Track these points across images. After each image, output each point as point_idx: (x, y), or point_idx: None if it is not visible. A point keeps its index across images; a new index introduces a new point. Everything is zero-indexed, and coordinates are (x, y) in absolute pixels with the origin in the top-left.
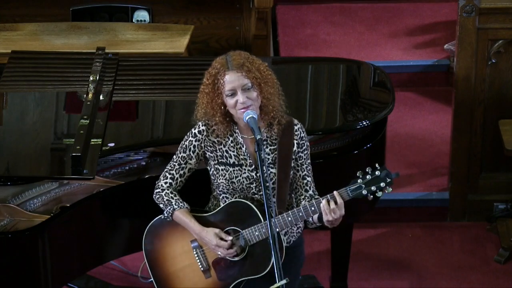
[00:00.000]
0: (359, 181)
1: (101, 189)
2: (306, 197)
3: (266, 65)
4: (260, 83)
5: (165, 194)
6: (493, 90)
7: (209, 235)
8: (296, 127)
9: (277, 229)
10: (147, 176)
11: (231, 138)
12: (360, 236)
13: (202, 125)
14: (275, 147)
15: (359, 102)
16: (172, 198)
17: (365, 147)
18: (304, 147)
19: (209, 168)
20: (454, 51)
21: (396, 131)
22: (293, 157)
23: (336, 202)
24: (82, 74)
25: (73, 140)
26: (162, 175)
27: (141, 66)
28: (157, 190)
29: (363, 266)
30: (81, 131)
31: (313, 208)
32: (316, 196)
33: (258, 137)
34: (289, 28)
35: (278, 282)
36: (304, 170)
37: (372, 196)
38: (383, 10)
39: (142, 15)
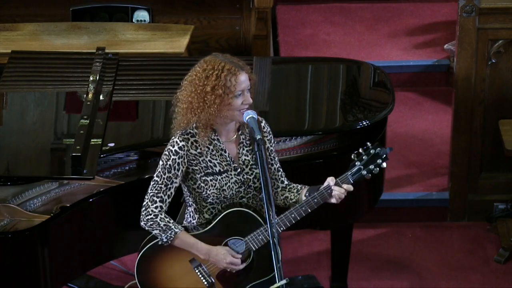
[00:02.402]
0: (357, 163)
1: (101, 189)
2: (284, 189)
3: None
4: (252, 85)
5: (160, 220)
6: (493, 90)
7: (220, 253)
8: (262, 124)
9: (282, 228)
10: (147, 176)
11: (210, 147)
12: (360, 236)
13: (180, 141)
14: (251, 147)
15: (359, 102)
16: (169, 222)
17: None
18: (272, 141)
19: (192, 182)
20: (454, 51)
21: (396, 131)
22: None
23: (340, 186)
24: (82, 74)
25: (73, 140)
26: (148, 199)
27: (141, 66)
28: (149, 217)
29: (363, 266)
30: (81, 131)
31: (316, 200)
32: (292, 185)
33: (258, 137)
34: (289, 28)
35: (278, 282)
36: (277, 163)
37: (370, 175)
38: (383, 10)
39: (142, 15)
